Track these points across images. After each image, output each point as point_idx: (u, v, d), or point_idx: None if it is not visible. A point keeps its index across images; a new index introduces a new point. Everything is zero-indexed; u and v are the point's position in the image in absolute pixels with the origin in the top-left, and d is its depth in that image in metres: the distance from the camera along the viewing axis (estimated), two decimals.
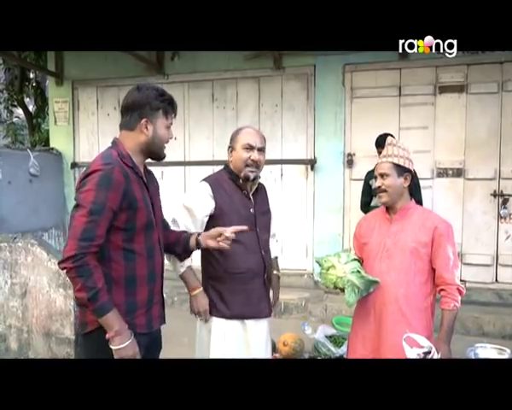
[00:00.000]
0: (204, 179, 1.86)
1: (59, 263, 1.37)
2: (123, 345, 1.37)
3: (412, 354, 1.51)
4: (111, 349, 1.37)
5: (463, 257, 4.05)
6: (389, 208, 1.80)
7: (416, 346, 1.54)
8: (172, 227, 1.75)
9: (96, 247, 1.35)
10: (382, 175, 1.75)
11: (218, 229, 1.59)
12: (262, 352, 1.83)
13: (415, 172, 3.38)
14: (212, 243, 1.60)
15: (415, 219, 1.76)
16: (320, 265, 1.80)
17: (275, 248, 2.08)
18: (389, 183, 1.73)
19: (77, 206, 1.37)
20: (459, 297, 1.71)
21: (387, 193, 1.75)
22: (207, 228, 1.80)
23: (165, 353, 1.71)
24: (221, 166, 1.95)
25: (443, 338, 1.66)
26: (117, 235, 1.41)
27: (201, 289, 1.81)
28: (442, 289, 1.72)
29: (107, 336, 1.36)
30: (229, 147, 1.85)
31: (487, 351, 2.79)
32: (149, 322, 1.50)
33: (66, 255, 1.33)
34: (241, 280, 1.79)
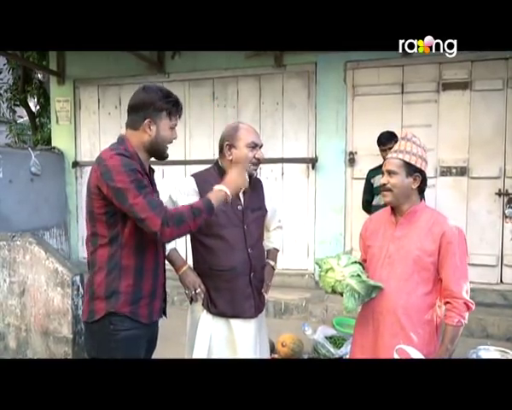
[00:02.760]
0: (192, 175, 1.84)
1: (161, 238, 1.41)
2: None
3: None
4: (117, 336, 1.45)
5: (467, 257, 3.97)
6: (395, 210, 1.68)
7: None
8: None
9: (165, 208, 1.41)
10: (390, 172, 1.62)
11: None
12: (250, 353, 1.78)
13: None
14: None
15: (422, 223, 1.62)
16: (319, 266, 1.72)
17: (277, 240, 2.06)
18: (395, 182, 1.60)
19: (121, 194, 1.38)
20: (466, 313, 1.57)
21: (392, 193, 1.62)
22: None
23: (166, 351, 1.70)
24: None
25: (441, 354, 1.55)
26: (129, 225, 1.44)
27: (188, 265, 1.80)
28: (448, 302, 1.58)
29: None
30: (226, 144, 1.80)
31: (490, 353, 2.74)
32: (150, 314, 1.54)
33: (157, 229, 1.37)
34: (224, 278, 1.76)
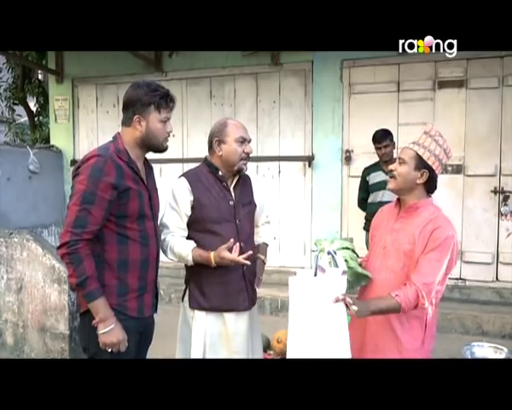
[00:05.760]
0: (182, 175, 1.86)
1: (56, 249, 1.48)
2: (105, 330, 1.44)
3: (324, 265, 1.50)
4: None
5: (463, 255, 4.00)
6: (400, 202, 1.68)
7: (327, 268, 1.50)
8: (165, 233, 1.76)
9: (89, 234, 1.43)
10: (400, 160, 1.62)
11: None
12: (244, 346, 1.81)
13: None
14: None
15: (420, 219, 1.59)
16: (316, 246, 1.72)
17: (266, 235, 2.08)
18: (402, 171, 1.59)
19: (72, 195, 1.45)
20: (411, 299, 1.48)
21: (396, 181, 1.61)
22: (188, 221, 1.80)
23: (162, 349, 1.70)
24: None
25: (360, 307, 1.46)
26: (110, 221, 1.48)
27: (212, 253, 1.72)
28: (404, 284, 1.53)
29: (93, 322, 1.45)
30: (215, 140, 1.82)
31: (484, 350, 2.74)
32: (140, 308, 1.56)
33: (61, 242, 1.42)
34: (218, 272, 1.77)
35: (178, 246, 1.74)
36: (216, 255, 1.69)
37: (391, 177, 1.65)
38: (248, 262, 1.71)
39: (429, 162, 1.58)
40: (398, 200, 1.69)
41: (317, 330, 1.46)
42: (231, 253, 1.68)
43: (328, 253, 1.57)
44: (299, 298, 1.50)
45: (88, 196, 1.41)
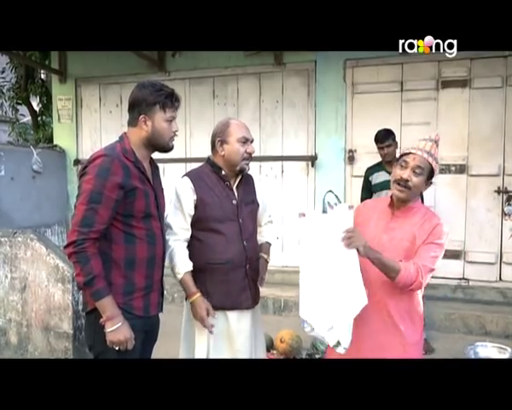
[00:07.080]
0: (185, 174, 1.88)
1: (63, 248, 1.49)
2: (113, 328, 1.45)
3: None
4: None
5: (466, 255, 3.99)
6: (395, 203, 1.67)
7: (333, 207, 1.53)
8: (168, 233, 1.76)
9: (96, 233, 1.44)
10: (416, 169, 1.55)
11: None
12: (247, 344, 1.82)
13: None
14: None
15: (416, 219, 1.64)
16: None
17: (269, 234, 2.09)
18: (417, 182, 1.57)
19: (79, 194, 1.47)
20: (412, 274, 1.51)
21: (410, 192, 1.58)
22: (191, 220, 1.81)
23: (166, 348, 1.71)
24: None
25: (366, 249, 1.51)
26: (117, 220, 1.49)
27: (199, 294, 1.75)
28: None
29: (101, 320, 1.46)
30: (218, 140, 1.83)
31: (487, 350, 2.74)
32: (147, 307, 1.57)
33: (68, 241, 1.44)
34: (221, 271, 1.79)
35: (178, 258, 1.74)
36: (199, 302, 1.72)
37: (404, 186, 1.58)
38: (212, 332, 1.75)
39: (435, 174, 1.60)
40: (391, 199, 1.68)
41: (331, 267, 1.49)
42: (208, 317, 1.72)
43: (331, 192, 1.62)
44: (309, 237, 1.53)
45: (95, 195, 1.42)
